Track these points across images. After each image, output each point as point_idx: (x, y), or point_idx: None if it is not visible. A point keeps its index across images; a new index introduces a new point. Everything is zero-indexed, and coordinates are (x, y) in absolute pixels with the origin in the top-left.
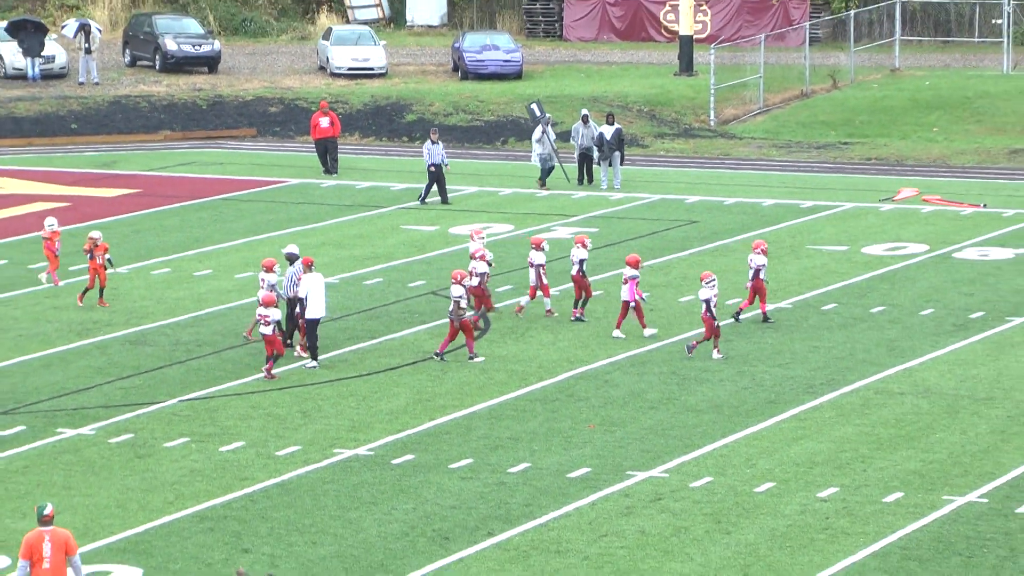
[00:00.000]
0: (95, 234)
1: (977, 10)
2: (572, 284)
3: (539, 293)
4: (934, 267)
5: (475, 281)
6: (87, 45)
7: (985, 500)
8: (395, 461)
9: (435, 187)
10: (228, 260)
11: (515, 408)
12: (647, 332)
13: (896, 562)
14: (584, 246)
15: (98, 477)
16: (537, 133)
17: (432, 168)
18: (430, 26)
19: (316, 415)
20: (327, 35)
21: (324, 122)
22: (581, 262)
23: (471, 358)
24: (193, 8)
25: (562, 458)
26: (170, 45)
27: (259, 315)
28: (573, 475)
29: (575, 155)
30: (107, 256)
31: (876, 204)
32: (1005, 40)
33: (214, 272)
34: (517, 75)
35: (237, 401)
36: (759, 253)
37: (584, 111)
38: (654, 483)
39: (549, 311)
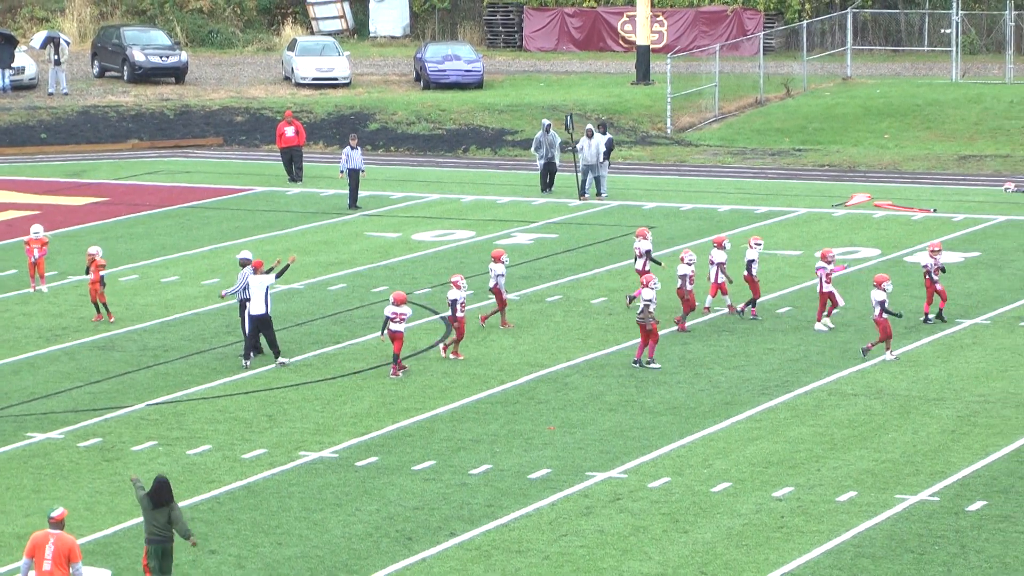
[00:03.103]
0: (93, 250)
1: (926, 20)
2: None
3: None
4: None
5: (679, 283)
6: (56, 57)
7: (936, 499)
8: (359, 463)
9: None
10: (194, 267)
11: (477, 411)
12: (817, 326)
13: (850, 559)
14: (752, 247)
15: (67, 481)
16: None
17: (344, 173)
18: (393, 37)
19: (281, 419)
20: (292, 46)
21: (289, 131)
22: (750, 263)
23: (649, 363)
24: (160, 20)
25: (523, 459)
26: (138, 56)
27: (392, 312)
28: (533, 476)
29: (538, 164)
30: (101, 274)
31: (829, 209)
32: (953, 49)
33: (181, 279)
34: (478, 84)
35: (204, 405)
36: (931, 255)
37: (545, 121)
38: (613, 483)
39: (707, 308)
